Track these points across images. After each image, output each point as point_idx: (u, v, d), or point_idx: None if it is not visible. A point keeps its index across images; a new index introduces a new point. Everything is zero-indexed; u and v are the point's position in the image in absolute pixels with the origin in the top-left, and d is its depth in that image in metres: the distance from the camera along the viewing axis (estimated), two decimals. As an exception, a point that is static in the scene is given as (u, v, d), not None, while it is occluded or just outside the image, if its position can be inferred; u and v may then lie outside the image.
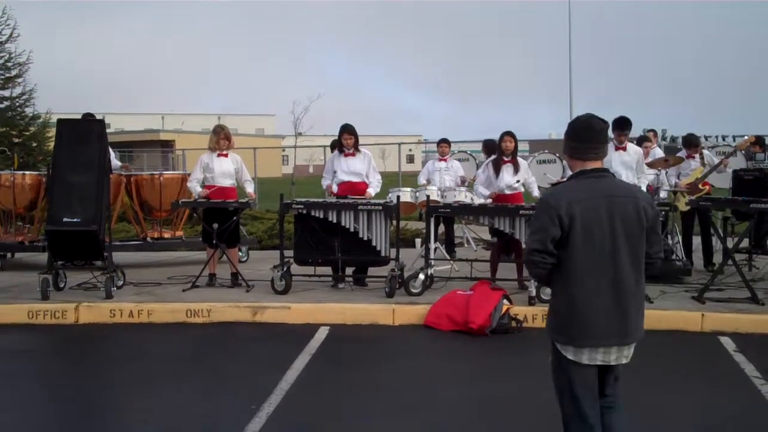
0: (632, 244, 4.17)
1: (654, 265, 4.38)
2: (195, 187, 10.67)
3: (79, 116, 11.29)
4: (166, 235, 13.21)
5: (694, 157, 11.85)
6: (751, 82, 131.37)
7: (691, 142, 12.05)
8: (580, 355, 4.24)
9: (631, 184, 4.78)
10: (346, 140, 10.71)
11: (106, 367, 7.77)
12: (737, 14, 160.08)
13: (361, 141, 10.86)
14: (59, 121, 10.46)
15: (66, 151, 10.05)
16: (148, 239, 13.02)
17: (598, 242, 4.12)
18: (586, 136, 4.28)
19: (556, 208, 4.11)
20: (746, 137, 12.20)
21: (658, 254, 4.37)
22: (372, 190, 10.76)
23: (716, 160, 11.80)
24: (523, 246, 10.07)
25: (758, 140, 13.01)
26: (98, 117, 11.09)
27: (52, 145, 13.11)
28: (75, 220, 9.75)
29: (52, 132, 16.35)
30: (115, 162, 12.56)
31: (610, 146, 10.33)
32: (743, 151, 13.05)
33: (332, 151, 11.25)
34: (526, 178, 10.59)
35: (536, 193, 10.74)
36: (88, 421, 6.34)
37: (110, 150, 10.91)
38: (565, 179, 13.35)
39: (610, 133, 10.30)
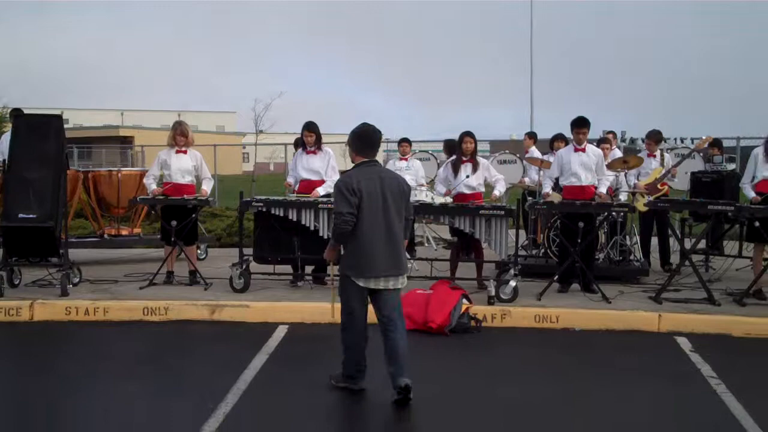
0: (397, 206, 6.43)
1: (409, 224, 6.76)
2: (151, 184, 10.58)
3: (38, 110, 11.13)
4: (123, 232, 13.09)
5: (654, 156, 11.92)
6: (710, 85, 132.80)
7: (653, 136, 12.10)
8: (368, 282, 6.38)
9: (392, 171, 6.92)
10: (307, 138, 10.67)
11: (60, 366, 7.65)
12: (698, 18, 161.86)
13: (323, 139, 10.83)
14: (16, 116, 10.33)
15: (23, 146, 9.91)
16: (106, 236, 12.90)
17: (375, 205, 6.31)
18: (364, 140, 6.55)
19: (352, 183, 6.27)
20: (703, 137, 12.30)
21: (410, 215, 6.76)
22: (321, 190, 10.57)
23: (672, 163, 11.89)
24: (483, 245, 10.12)
25: (716, 142, 13.12)
26: (56, 112, 10.94)
27: (8, 139, 12.91)
28: (31, 216, 9.62)
29: (8, 127, 16.13)
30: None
31: (569, 147, 10.43)
32: (701, 153, 13.17)
33: (296, 149, 11.20)
34: (487, 176, 10.58)
35: (499, 188, 10.62)
36: (41, 419, 6.25)
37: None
38: (526, 179, 13.43)
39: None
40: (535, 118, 38.76)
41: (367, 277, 6.36)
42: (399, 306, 6.66)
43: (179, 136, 10.58)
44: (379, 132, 6.65)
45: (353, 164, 6.57)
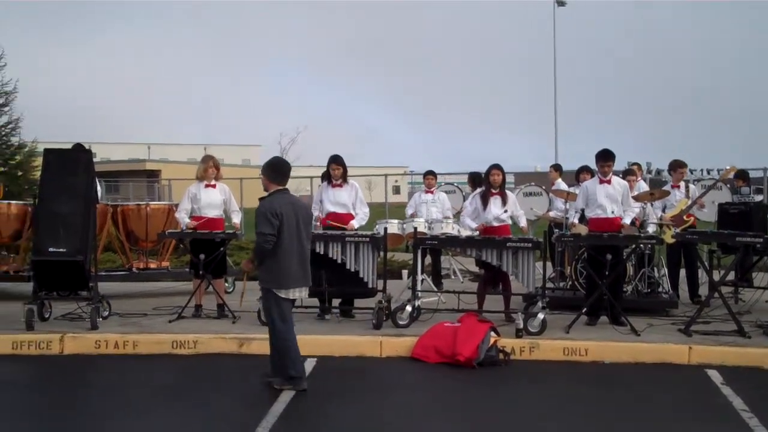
0: (306, 229, 7.65)
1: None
2: (183, 218, 10.65)
3: (64, 145, 11.25)
4: (152, 266, 13.17)
5: (678, 187, 11.92)
6: (739, 117, 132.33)
7: (676, 164, 12.13)
8: (287, 293, 7.47)
9: (299, 198, 8.09)
10: (333, 171, 10.73)
11: (90, 399, 7.69)
12: (731, 47, 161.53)
13: (348, 172, 10.89)
14: (46, 150, 10.45)
15: (53, 180, 10.03)
16: (134, 269, 12.98)
17: (291, 228, 7.40)
18: (279, 170, 7.66)
19: (274, 208, 7.33)
20: (728, 167, 12.28)
21: (311, 237, 8.13)
22: (356, 223, 10.74)
23: (698, 194, 11.85)
24: (511, 278, 10.10)
25: (742, 174, 13.08)
26: (85, 146, 11.06)
27: (37, 174, 13.04)
28: (61, 250, 9.70)
29: (37, 161, 16.27)
30: (100, 192, 12.54)
31: (595, 179, 10.43)
32: (728, 185, 13.11)
33: (322, 182, 11.26)
34: (514, 210, 10.63)
35: (523, 224, 10.79)
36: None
37: (96, 180, 10.88)
38: (551, 213, 13.44)
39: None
40: (559, 150, 38.75)
41: (286, 288, 7.48)
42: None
43: (212, 168, 10.70)
44: (289, 164, 7.98)
45: (267, 191, 7.65)
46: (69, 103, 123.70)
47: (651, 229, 11.43)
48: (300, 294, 7.66)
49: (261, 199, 7.62)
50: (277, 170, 7.68)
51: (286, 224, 7.36)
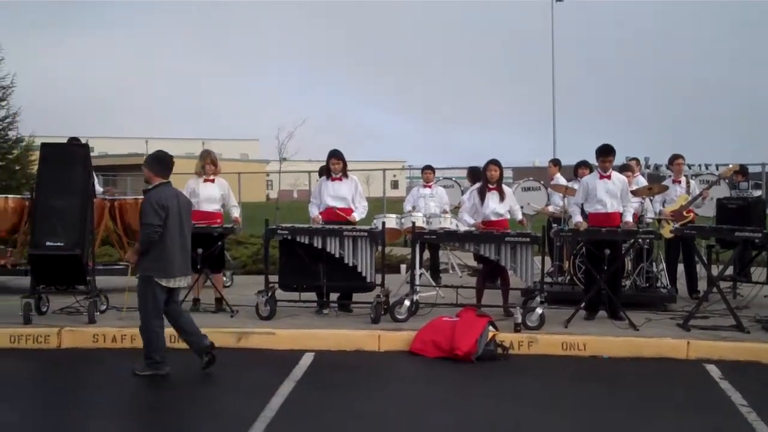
0: (188, 220, 8.05)
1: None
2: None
3: (62, 139, 11.22)
4: (149, 260, 13.10)
5: (679, 182, 11.90)
6: (736, 112, 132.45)
7: (674, 157, 12.12)
8: (169, 282, 7.80)
9: (181, 191, 8.40)
10: (333, 165, 10.70)
11: (87, 393, 7.68)
12: (726, 42, 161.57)
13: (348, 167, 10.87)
14: (43, 144, 10.40)
15: (50, 175, 9.98)
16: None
17: (175, 219, 7.75)
18: (164, 164, 7.98)
19: (161, 201, 7.68)
20: (730, 165, 12.27)
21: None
22: (357, 215, 10.73)
23: (699, 190, 11.83)
24: (509, 272, 10.09)
25: (741, 169, 13.08)
26: (82, 141, 11.03)
27: (35, 168, 13.00)
28: (58, 244, 9.67)
29: (35, 155, 16.23)
30: (97, 188, 12.50)
31: (595, 174, 10.40)
32: (727, 180, 13.11)
33: (320, 177, 11.23)
34: (512, 205, 10.63)
35: (520, 217, 10.83)
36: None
37: (93, 175, 10.85)
38: (549, 207, 13.43)
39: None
40: (558, 145, 38.74)
41: (169, 277, 7.78)
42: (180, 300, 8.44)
43: (209, 164, 10.69)
44: (172, 158, 8.20)
45: (150, 185, 7.93)
46: (67, 99, 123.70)
47: (648, 221, 11.42)
48: (181, 282, 8.03)
49: (146, 191, 7.96)
50: (161, 163, 8.01)
51: (171, 216, 7.73)
